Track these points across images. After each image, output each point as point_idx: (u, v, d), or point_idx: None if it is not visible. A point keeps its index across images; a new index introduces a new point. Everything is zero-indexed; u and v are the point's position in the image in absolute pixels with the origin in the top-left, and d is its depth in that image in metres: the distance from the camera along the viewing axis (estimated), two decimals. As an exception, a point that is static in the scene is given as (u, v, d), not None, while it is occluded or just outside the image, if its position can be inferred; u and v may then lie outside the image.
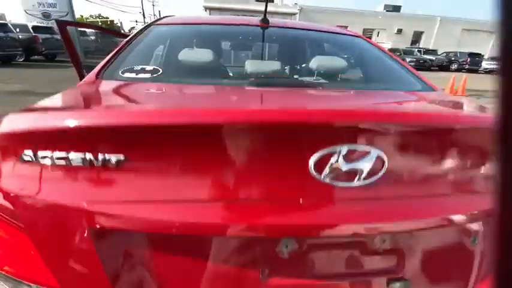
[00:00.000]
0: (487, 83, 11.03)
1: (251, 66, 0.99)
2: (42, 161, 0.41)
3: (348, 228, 0.43)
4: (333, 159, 0.40)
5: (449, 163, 0.47)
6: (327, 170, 0.41)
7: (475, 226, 0.50)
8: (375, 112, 0.45)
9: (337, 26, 1.54)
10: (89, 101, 0.65)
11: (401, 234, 0.48)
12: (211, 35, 1.36)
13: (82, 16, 32.82)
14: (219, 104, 0.55)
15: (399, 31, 19.69)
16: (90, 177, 0.42)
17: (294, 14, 16.75)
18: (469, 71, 14.55)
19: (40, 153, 0.41)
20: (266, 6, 1.16)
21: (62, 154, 0.40)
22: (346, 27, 1.49)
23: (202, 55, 0.97)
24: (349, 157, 0.41)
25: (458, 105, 0.69)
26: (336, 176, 0.41)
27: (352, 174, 0.42)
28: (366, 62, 1.18)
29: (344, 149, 0.40)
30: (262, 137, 0.42)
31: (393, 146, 0.43)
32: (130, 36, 1.10)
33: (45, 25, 9.97)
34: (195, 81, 0.85)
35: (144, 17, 40.68)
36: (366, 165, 0.41)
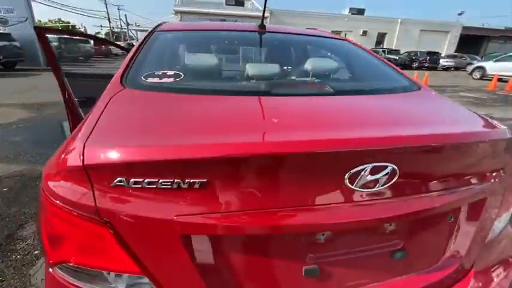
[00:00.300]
0: (446, 79, 12.04)
1: (264, 69, 1.15)
2: (135, 186, 0.51)
3: (368, 218, 0.59)
4: (362, 173, 0.55)
5: (440, 170, 0.64)
6: (357, 181, 0.55)
7: (450, 209, 0.67)
8: (395, 139, 0.59)
9: (307, 28, 1.66)
10: (154, 125, 0.67)
11: (402, 221, 0.65)
12: (219, 40, 1.45)
13: (40, 21, 30.77)
14: (268, 132, 0.63)
15: (364, 33, 20.83)
16: (179, 195, 0.53)
17: (265, 17, 17.10)
18: (429, 68, 15.81)
19: (132, 180, 0.51)
20: (263, 13, 1.25)
21: (153, 180, 0.51)
22: (315, 29, 1.62)
23: (221, 60, 1.05)
24: (373, 171, 0.55)
25: (460, 120, 0.81)
26: (363, 184, 0.56)
27: (374, 182, 0.56)
28: (366, 66, 1.30)
29: (369, 167, 0.54)
30: (310, 160, 0.55)
31: (402, 161, 0.58)
32: (141, 43, 1.13)
33: (1, 31, 9.29)
34: (219, 86, 0.98)
35: (110, 22, 39.14)
36: (384, 176, 0.56)
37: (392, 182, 0.57)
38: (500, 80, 9.16)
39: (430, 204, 0.62)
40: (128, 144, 0.54)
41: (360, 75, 1.27)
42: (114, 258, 0.56)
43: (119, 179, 0.51)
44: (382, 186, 0.57)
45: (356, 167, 0.54)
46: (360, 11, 23.60)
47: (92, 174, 0.51)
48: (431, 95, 1.00)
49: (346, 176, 0.54)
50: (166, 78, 0.90)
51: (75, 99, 2.74)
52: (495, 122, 0.74)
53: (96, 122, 0.62)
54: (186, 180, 0.51)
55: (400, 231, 0.66)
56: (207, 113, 0.73)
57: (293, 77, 1.27)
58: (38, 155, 2.83)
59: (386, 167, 0.55)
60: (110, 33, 38.55)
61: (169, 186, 0.51)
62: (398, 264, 0.68)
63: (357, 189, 0.56)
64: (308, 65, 1.17)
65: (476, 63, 12.82)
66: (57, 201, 0.54)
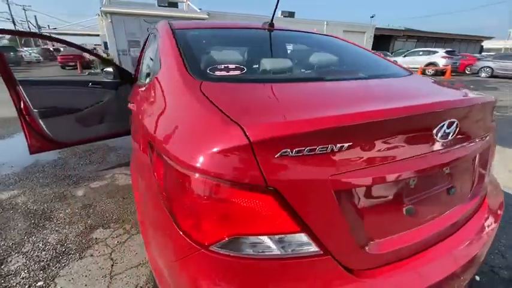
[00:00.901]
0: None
1: (314, 59, 1.42)
2: (297, 154, 0.61)
3: (444, 162, 0.84)
4: (443, 128, 0.79)
5: (471, 125, 0.94)
6: (439, 134, 0.80)
7: (475, 154, 0.99)
8: (456, 101, 0.85)
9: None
10: (280, 105, 0.80)
11: (455, 164, 0.90)
12: (247, 38, 1.55)
13: None
14: (373, 103, 0.81)
15: (297, 34, 22.40)
16: (332, 158, 0.65)
17: (204, 19, 16.94)
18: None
19: (296, 149, 0.60)
20: (274, 14, 1.42)
21: (312, 147, 0.62)
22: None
23: (261, 54, 1.19)
24: (448, 125, 0.80)
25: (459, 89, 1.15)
26: (441, 136, 0.80)
27: (447, 135, 0.82)
28: (369, 57, 1.60)
29: (446, 122, 0.80)
30: (415, 120, 0.75)
31: (459, 118, 0.84)
32: (166, 41, 1.18)
33: None
34: (287, 76, 1.17)
35: (15, 24, 33.01)
36: (452, 129, 0.81)
37: (455, 134, 0.84)
38: (410, 71, 11.13)
39: (470, 150, 0.91)
40: (287, 119, 0.64)
41: (368, 64, 1.54)
42: (279, 222, 0.63)
43: (283, 150, 0.59)
44: (450, 137, 0.83)
45: (440, 123, 0.78)
46: (291, 14, 25.38)
47: (257, 149, 0.57)
48: (423, 77, 1.36)
49: (434, 131, 0.78)
50: (233, 72, 1.01)
51: (35, 110, 2.46)
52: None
53: (219, 108, 0.69)
54: (338, 145, 0.63)
55: (451, 172, 0.93)
56: (304, 94, 0.90)
57: (320, 67, 1.45)
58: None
59: (454, 122, 0.81)
60: (17, 38, 32.55)
61: (324, 151, 0.62)
62: (452, 198, 0.94)
63: (439, 140, 0.80)
64: (329, 57, 1.43)
65: (389, 59, 15.33)
66: (223, 180, 0.59)
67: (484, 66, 14.19)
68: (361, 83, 1.11)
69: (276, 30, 1.49)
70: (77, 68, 15.33)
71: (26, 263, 1.66)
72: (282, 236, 0.65)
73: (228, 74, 0.99)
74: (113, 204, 2.32)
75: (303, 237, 0.65)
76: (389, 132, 0.72)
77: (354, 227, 0.72)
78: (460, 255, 0.88)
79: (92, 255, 1.72)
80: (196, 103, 0.77)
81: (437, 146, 0.82)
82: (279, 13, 25.20)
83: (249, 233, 0.64)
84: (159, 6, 18.56)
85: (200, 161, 0.61)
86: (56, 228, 1.99)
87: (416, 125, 0.76)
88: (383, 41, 26.59)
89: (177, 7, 20.31)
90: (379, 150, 0.71)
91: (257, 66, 1.21)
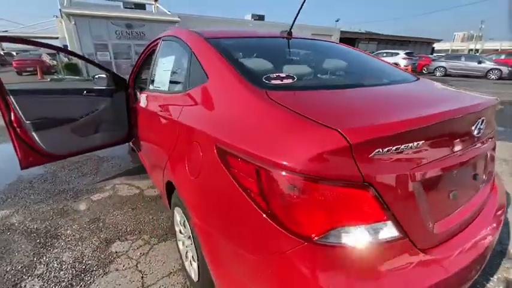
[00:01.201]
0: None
1: (331, 68, 1.53)
2: (387, 153, 0.73)
3: (477, 154, 1.03)
4: (478, 125, 0.99)
5: (489, 123, 1.11)
6: (475, 130, 0.98)
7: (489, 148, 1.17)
8: (479, 105, 1.00)
9: None
10: (354, 110, 0.91)
11: (480, 155, 1.08)
12: (276, 46, 1.61)
13: None
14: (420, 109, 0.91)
15: (269, 37, 22.82)
16: (410, 155, 0.78)
17: (175, 22, 16.58)
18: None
19: (386, 148, 0.72)
20: (293, 24, 1.51)
21: (398, 146, 0.73)
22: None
23: (296, 62, 1.28)
24: (480, 123, 0.98)
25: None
26: (477, 132, 0.98)
27: (480, 130, 1.01)
28: (379, 64, 1.74)
29: (480, 120, 0.98)
30: (462, 120, 0.92)
31: (486, 117, 1.02)
32: (206, 52, 1.23)
33: None
34: (333, 82, 1.33)
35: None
36: (483, 125, 1.00)
37: (483, 130, 1.00)
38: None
39: (489, 145, 1.11)
40: (377, 123, 0.73)
41: (384, 70, 1.66)
42: (372, 213, 0.73)
43: (377, 150, 0.69)
44: (481, 132, 1.00)
45: (477, 120, 0.95)
46: (261, 17, 25.81)
47: (355, 150, 0.67)
48: (431, 81, 1.53)
49: (473, 127, 0.94)
50: (286, 80, 1.08)
51: (27, 121, 2.32)
52: None
53: (304, 115, 0.77)
54: (414, 143, 0.75)
55: (475, 162, 1.10)
56: (363, 99, 1.01)
57: (350, 74, 1.58)
58: None
59: (483, 120, 0.99)
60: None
61: (405, 149, 0.74)
62: (477, 183, 1.12)
63: (475, 135, 0.97)
64: (355, 64, 1.57)
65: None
66: (326, 179, 0.68)
67: (439, 66, 15.70)
68: (393, 88, 1.25)
69: (297, 38, 1.59)
70: (35, 74, 14.10)
71: (43, 285, 1.56)
72: (374, 224, 0.74)
73: (282, 82, 1.06)
74: (122, 216, 2.24)
75: (389, 224, 0.76)
76: (447, 130, 0.87)
77: (424, 212, 0.84)
78: (490, 227, 1.06)
79: (117, 270, 1.67)
80: (276, 111, 0.83)
81: (473, 141, 0.98)
82: (249, 16, 25.57)
83: (348, 224, 0.72)
84: (125, 8, 17.83)
85: (305, 163, 0.69)
86: (68, 246, 1.88)
87: (465, 123, 0.92)
88: (348, 43, 28.05)
89: (145, 9, 19.66)
90: (440, 146, 0.85)
91: (299, 73, 1.28)
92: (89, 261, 1.73)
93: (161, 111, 1.55)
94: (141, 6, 20.20)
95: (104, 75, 2.74)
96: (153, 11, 18.82)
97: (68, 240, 1.94)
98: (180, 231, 1.58)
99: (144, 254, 1.80)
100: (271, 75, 1.08)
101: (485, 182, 1.19)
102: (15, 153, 2.33)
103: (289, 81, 1.08)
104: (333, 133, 0.68)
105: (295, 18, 1.58)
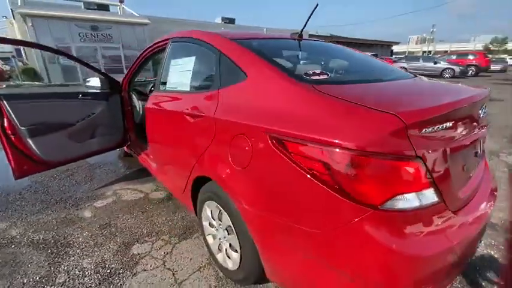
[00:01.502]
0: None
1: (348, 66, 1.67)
2: (434, 130, 0.90)
3: (481, 135, 1.23)
4: (482, 110, 1.20)
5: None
6: (481, 114, 1.19)
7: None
8: (483, 93, 1.23)
9: None
10: (393, 99, 1.09)
11: (480, 137, 1.29)
12: (295, 47, 1.72)
13: None
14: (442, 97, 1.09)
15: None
16: (447, 133, 0.96)
17: (144, 24, 16.06)
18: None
19: (432, 127, 0.89)
20: (303, 27, 1.66)
21: (440, 125, 0.92)
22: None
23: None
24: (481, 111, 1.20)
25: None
26: (482, 116, 1.21)
27: (482, 114, 1.22)
28: (378, 63, 1.93)
29: (483, 106, 1.20)
30: (476, 105, 1.13)
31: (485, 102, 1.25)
32: (239, 52, 1.34)
33: None
34: (358, 77, 1.50)
35: None
36: (485, 110, 1.23)
37: (485, 114, 1.22)
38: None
39: (485, 131, 1.33)
40: (423, 107, 0.91)
41: (386, 69, 1.79)
42: (421, 181, 0.87)
43: (425, 129, 0.86)
44: (484, 116, 1.23)
45: (481, 106, 1.17)
46: (231, 20, 25.95)
47: (409, 130, 0.82)
48: (426, 78, 1.77)
49: (479, 111, 1.16)
50: (322, 76, 1.21)
51: (22, 127, 2.23)
52: None
53: (355, 103, 0.91)
54: (448, 123, 0.94)
55: (477, 141, 1.31)
56: (395, 90, 1.19)
57: (364, 71, 1.74)
58: None
59: (485, 105, 1.20)
60: None
61: (443, 128, 0.93)
62: (477, 159, 1.30)
63: (481, 118, 1.19)
64: (366, 63, 1.76)
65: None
66: (388, 154, 0.82)
67: (400, 67, 17.06)
68: (409, 82, 1.45)
69: (309, 40, 1.75)
70: (-13, 80, 12.76)
71: (70, 292, 1.52)
72: (422, 191, 0.89)
73: (321, 78, 1.18)
74: (134, 220, 2.21)
75: (432, 191, 0.91)
76: (468, 112, 1.10)
77: (454, 181, 1.01)
78: (491, 193, 1.30)
79: (145, 270, 1.67)
80: (333, 101, 0.96)
81: (478, 122, 1.20)
82: (219, 19, 25.56)
83: (403, 192, 0.86)
84: (87, 9, 16.86)
85: (369, 143, 0.83)
86: (84, 253, 1.83)
87: (478, 107, 1.15)
88: (316, 46, 29.34)
89: (108, 10, 18.75)
90: (462, 126, 1.07)
91: (329, 70, 1.42)
92: (113, 265, 1.71)
93: (187, 109, 1.59)
94: (104, 7, 19.23)
95: (97, 79, 2.68)
96: (119, 13, 18.05)
97: (83, 248, 1.88)
98: (211, 225, 1.63)
99: (168, 253, 1.82)
100: (309, 72, 1.20)
101: (481, 159, 1.43)
102: (7, 163, 2.19)
103: (325, 77, 1.21)
104: (391, 117, 0.83)
105: (306, 23, 1.73)
